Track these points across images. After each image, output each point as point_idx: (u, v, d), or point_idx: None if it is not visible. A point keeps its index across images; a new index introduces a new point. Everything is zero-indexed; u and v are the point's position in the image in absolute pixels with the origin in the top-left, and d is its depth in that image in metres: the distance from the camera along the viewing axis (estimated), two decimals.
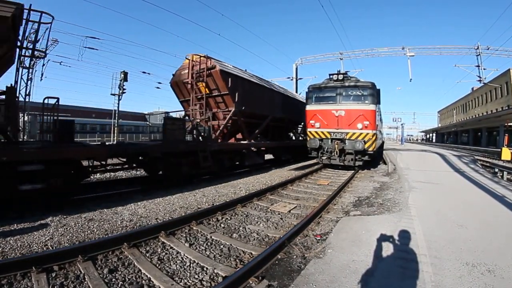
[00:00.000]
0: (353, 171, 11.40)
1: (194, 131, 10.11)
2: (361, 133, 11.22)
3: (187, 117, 11.41)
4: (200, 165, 8.22)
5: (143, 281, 3.01)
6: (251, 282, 2.92)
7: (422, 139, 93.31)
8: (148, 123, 44.63)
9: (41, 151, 5.05)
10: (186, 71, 10.48)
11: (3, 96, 6.20)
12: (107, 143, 8.79)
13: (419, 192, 7.10)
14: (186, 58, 10.72)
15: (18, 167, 4.75)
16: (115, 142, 20.45)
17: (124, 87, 22.57)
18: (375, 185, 8.82)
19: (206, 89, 10.22)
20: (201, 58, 9.98)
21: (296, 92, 26.15)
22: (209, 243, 4.07)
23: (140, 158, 7.83)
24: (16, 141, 6.95)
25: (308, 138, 12.44)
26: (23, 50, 8.18)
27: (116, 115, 23.72)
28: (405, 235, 4.00)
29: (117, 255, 3.57)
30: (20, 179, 4.80)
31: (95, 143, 10.63)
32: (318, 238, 4.20)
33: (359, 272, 2.97)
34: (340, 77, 12.02)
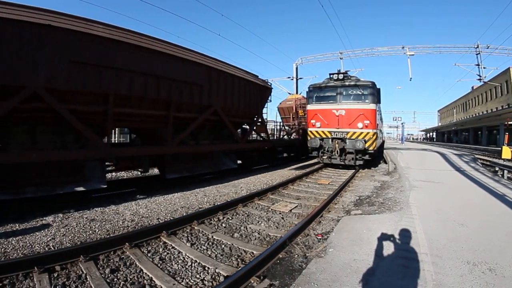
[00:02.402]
0: (353, 171, 11.40)
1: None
2: (361, 133, 11.23)
3: (286, 127, 18.62)
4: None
5: (145, 281, 3.02)
6: (252, 281, 2.93)
7: (424, 138, 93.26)
8: None
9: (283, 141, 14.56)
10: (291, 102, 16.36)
11: None
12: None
13: (420, 191, 7.10)
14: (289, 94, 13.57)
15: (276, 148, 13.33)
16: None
17: None
18: (376, 184, 8.83)
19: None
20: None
21: (296, 92, 26.14)
22: (210, 243, 4.08)
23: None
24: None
25: (308, 138, 12.45)
26: None
27: None
28: (406, 234, 4.01)
29: (119, 255, 3.58)
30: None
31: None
32: (319, 237, 4.21)
33: (360, 271, 2.98)
34: (341, 76, 12.01)
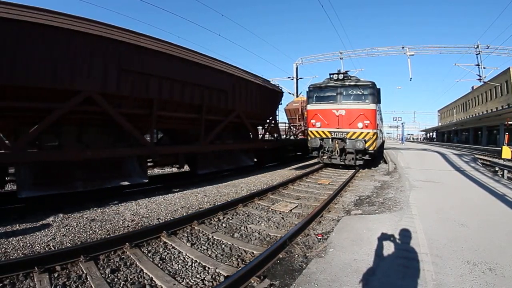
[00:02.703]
0: (354, 170, 11.40)
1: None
2: (361, 132, 11.23)
3: (293, 128, 19.07)
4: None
5: (145, 281, 3.02)
6: (252, 281, 2.93)
7: (424, 138, 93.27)
8: None
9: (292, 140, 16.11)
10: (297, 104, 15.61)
11: None
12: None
13: (420, 191, 7.10)
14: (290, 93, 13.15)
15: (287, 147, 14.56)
16: None
17: None
18: (376, 184, 8.83)
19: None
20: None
21: (297, 92, 26.15)
22: (210, 243, 4.08)
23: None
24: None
25: (309, 138, 12.45)
26: None
27: None
28: (406, 234, 4.01)
29: (119, 255, 3.59)
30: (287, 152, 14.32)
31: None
32: (319, 237, 4.21)
33: (360, 271, 2.98)
34: (341, 76, 12.01)
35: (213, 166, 9.66)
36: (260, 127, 13.94)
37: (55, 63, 5.36)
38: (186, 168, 10.42)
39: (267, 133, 14.02)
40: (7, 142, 5.36)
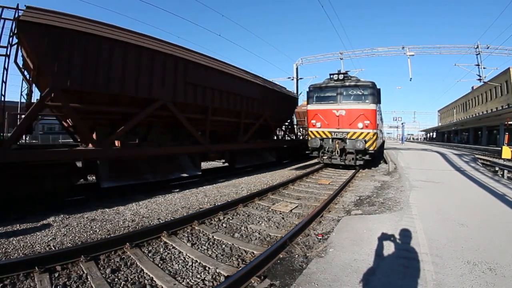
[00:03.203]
0: (354, 171, 11.40)
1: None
2: (361, 133, 11.23)
3: (302, 129, 17.30)
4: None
5: (146, 281, 3.02)
6: (253, 281, 2.93)
7: (424, 138, 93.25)
8: None
9: (303, 140, 15.73)
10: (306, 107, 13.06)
11: None
12: None
13: (420, 191, 7.10)
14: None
15: (301, 146, 15.16)
16: None
17: None
18: (376, 184, 8.83)
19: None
20: None
21: (297, 92, 26.16)
22: (211, 243, 4.09)
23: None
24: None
25: (309, 138, 12.46)
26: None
27: None
28: (406, 234, 4.01)
29: (120, 255, 3.59)
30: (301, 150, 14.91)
31: None
32: (319, 237, 4.22)
33: (360, 271, 2.98)
34: (341, 76, 12.03)
35: (247, 161, 11.65)
36: (278, 128, 15.98)
37: (138, 76, 6.73)
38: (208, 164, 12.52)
39: (285, 134, 16.27)
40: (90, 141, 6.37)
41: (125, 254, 3.62)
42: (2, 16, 5.32)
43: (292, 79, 27.86)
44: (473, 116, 44.19)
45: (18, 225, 4.52)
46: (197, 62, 8.22)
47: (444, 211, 5.22)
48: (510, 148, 18.20)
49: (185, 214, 5.36)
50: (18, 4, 5.42)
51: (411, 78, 23.93)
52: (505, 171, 12.18)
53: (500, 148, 20.02)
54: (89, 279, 2.99)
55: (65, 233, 4.25)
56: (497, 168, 13.46)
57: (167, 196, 6.73)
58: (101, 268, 3.24)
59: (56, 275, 3.04)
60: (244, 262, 3.50)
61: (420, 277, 2.82)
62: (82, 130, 6.31)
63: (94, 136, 6.57)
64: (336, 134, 11.74)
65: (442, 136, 68.16)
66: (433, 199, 6.20)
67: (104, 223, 4.75)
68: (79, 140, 7.73)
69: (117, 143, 6.91)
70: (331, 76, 12.39)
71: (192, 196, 6.89)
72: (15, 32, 5.42)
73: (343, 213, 5.59)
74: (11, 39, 5.63)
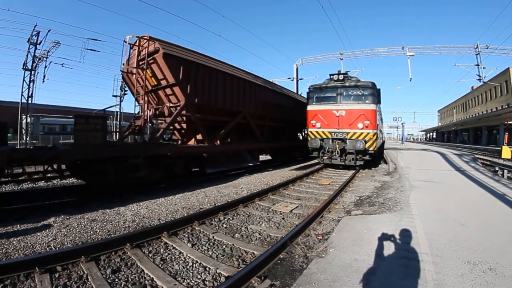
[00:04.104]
0: (354, 171, 11.41)
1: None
2: (361, 133, 11.24)
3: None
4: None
5: (146, 281, 3.03)
6: (253, 281, 2.94)
7: (424, 138, 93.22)
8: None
9: None
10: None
11: None
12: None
13: (420, 191, 7.10)
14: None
15: None
16: None
17: (125, 88, 22.70)
18: (376, 184, 8.83)
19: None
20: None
21: (297, 92, 26.18)
22: (211, 243, 4.09)
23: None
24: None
25: (309, 138, 12.46)
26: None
27: (119, 116, 23.83)
28: (406, 234, 4.01)
29: (120, 256, 3.59)
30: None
31: None
32: (320, 237, 4.22)
33: (361, 271, 2.98)
34: (341, 77, 12.04)
35: (285, 156, 15.20)
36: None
37: (230, 95, 9.81)
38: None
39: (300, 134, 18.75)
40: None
41: (126, 255, 3.62)
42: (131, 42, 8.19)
43: (292, 80, 27.88)
44: (473, 116, 44.21)
45: (18, 225, 4.52)
46: (262, 85, 12.14)
47: (444, 211, 5.22)
48: (510, 148, 18.20)
49: (185, 214, 5.36)
50: (149, 36, 7.75)
51: (411, 78, 24.00)
52: (505, 171, 12.18)
53: (500, 148, 20.02)
54: (89, 280, 2.99)
55: (65, 233, 4.25)
56: (497, 168, 13.46)
57: (167, 197, 6.73)
58: (102, 269, 3.24)
59: (57, 275, 3.05)
60: (244, 263, 3.50)
61: (420, 277, 2.82)
62: (202, 132, 9.01)
63: (200, 137, 9.33)
64: (336, 135, 11.75)
65: (442, 136, 68.17)
66: (433, 199, 6.20)
67: (104, 223, 4.75)
68: (173, 137, 10.50)
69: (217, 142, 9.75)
70: (331, 76, 12.40)
71: (192, 196, 6.90)
72: (149, 57, 7.70)
73: (343, 213, 5.60)
74: (144, 61, 7.70)
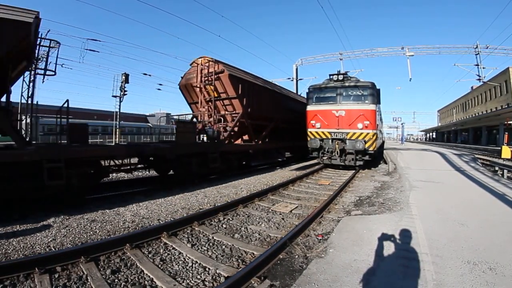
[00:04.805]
0: (353, 171, 11.41)
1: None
2: (361, 133, 11.23)
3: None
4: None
5: (146, 282, 3.02)
6: (253, 282, 2.93)
7: (425, 138, 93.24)
8: (149, 124, 44.67)
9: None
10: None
11: None
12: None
13: (420, 191, 7.11)
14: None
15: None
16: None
17: (125, 88, 22.68)
18: (376, 184, 8.83)
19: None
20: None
21: (297, 93, 26.22)
22: (211, 244, 4.09)
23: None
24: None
25: (308, 139, 12.45)
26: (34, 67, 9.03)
27: (118, 116, 23.80)
28: (406, 234, 4.01)
29: (120, 256, 3.59)
30: None
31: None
32: (319, 237, 4.21)
33: (361, 271, 2.98)
34: (340, 77, 12.03)
35: (301, 153, 16.11)
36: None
37: (269, 105, 12.49)
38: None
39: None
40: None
41: (125, 255, 3.62)
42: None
43: (292, 80, 27.90)
44: (473, 116, 44.22)
45: (18, 225, 4.51)
46: (286, 95, 15.25)
47: (444, 211, 5.22)
48: (509, 147, 18.20)
49: (185, 214, 5.36)
50: (214, 59, 10.29)
51: (410, 79, 24.07)
52: (505, 171, 12.18)
53: (499, 148, 20.02)
54: (89, 280, 2.98)
55: (65, 234, 4.24)
56: (496, 168, 13.47)
57: (167, 197, 6.73)
58: (101, 269, 3.24)
59: (56, 276, 3.04)
60: (244, 263, 3.49)
61: (420, 277, 2.82)
62: (251, 134, 11.70)
63: (246, 137, 12.35)
64: (336, 135, 11.74)
65: (442, 136, 68.18)
66: (433, 199, 6.21)
67: (104, 224, 4.74)
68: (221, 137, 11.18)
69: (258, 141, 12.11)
70: (331, 76, 12.40)
71: (192, 196, 6.89)
72: (215, 75, 10.03)
73: (343, 213, 5.59)
74: (207, 77, 10.40)
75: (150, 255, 3.64)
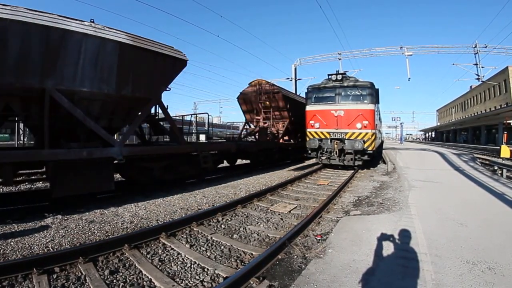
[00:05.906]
0: (352, 171, 11.42)
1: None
2: (360, 133, 11.24)
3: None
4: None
5: (144, 282, 3.01)
6: (252, 282, 2.93)
7: (423, 138, 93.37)
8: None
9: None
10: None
11: None
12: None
13: (419, 191, 7.11)
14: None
15: None
16: None
17: None
18: (375, 184, 8.84)
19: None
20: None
21: (296, 93, 26.25)
22: (209, 244, 4.08)
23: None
24: None
25: (307, 139, 12.45)
26: None
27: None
28: (405, 234, 4.01)
29: (118, 257, 3.58)
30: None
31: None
32: (318, 238, 4.21)
33: (360, 271, 2.98)
34: (339, 77, 12.04)
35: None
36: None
37: (298, 113, 14.86)
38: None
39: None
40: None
41: (124, 256, 3.61)
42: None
43: (291, 80, 27.89)
44: (472, 116, 44.30)
45: (16, 226, 4.50)
46: (303, 102, 14.82)
47: (443, 211, 5.22)
48: (508, 147, 18.23)
49: (183, 215, 5.35)
50: (271, 82, 15.39)
51: (409, 78, 24.09)
52: (504, 170, 12.17)
53: (498, 147, 20.05)
54: (87, 281, 2.97)
55: (63, 234, 4.23)
56: (496, 167, 13.48)
57: (165, 198, 6.72)
58: (100, 270, 3.23)
59: (55, 276, 3.03)
60: (243, 263, 3.49)
61: (419, 277, 2.82)
62: (292, 135, 16.21)
63: (286, 138, 15.79)
64: (335, 135, 11.75)
65: (441, 135, 68.29)
66: (432, 199, 6.21)
67: (102, 224, 4.73)
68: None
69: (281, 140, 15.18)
70: (330, 76, 12.40)
71: (190, 197, 6.88)
72: (271, 93, 14.42)
73: (342, 213, 5.59)
74: (264, 94, 14.66)
75: (148, 256, 3.63)
